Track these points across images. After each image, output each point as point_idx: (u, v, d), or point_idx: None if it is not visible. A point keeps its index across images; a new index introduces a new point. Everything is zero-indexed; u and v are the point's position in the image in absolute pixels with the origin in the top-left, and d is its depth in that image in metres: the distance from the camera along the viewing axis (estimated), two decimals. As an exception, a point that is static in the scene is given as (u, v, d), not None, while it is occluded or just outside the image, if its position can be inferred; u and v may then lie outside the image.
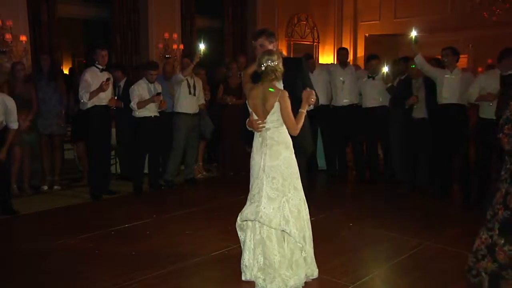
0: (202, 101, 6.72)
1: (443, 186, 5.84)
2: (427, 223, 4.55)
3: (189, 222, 4.95)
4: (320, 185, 7.01)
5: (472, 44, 9.92)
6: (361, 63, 10.14)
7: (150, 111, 6.07)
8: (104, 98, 5.74)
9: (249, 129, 3.43)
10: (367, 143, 6.83)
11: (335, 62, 7.99)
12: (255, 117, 3.37)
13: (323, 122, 6.90)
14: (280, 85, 3.44)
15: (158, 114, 6.16)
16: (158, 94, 6.01)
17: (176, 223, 4.94)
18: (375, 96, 6.51)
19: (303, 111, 3.34)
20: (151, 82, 6.08)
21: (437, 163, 5.85)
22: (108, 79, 5.62)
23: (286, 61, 3.52)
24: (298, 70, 3.66)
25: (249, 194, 3.39)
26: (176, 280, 3.54)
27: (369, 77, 6.56)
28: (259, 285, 3.28)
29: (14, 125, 5.05)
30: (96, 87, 5.59)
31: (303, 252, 3.33)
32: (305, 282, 3.35)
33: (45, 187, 6.25)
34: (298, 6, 10.95)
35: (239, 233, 3.46)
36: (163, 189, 6.37)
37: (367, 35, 11.59)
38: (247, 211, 3.32)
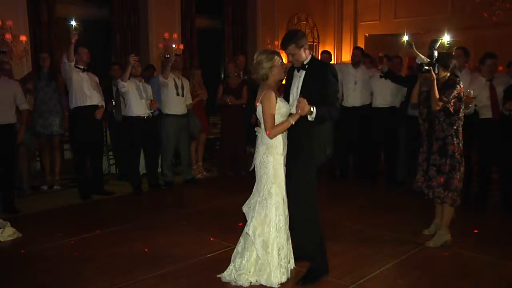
0: (189, 101, 6.64)
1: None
2: (427, 223, 4.55)
3: (189, 222, 4.95)
4: (320, 184, 6.95)
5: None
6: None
7: (142, 111, 6.01)
8: (90, 96, 5.68)
9: None
10: (373, 143, 6.73)
11: (335, 62, 7.94)
12: None
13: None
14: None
15: (150, 114, 6.12)
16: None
17: (176, 223, 4.93)
18: (386, 96, 6.45)
19: (291, 121, 3.22)
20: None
21: None
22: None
23: (310, 63, 3.36)
24: (318, 78, 3.31)
25: None
26: (176, 280, 3.54)
27: (381, 77, 6.44)
28: None
29: (25, 106, 5.21)
30: (80, 89, 5.56)
31: (258, 258, 3.34)
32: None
33: (45, 187, 6.24)
34: (298, 6, 10.94)
35: None
36: (163, 189, 6.37)
37: (367, 35, 11.57)
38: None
